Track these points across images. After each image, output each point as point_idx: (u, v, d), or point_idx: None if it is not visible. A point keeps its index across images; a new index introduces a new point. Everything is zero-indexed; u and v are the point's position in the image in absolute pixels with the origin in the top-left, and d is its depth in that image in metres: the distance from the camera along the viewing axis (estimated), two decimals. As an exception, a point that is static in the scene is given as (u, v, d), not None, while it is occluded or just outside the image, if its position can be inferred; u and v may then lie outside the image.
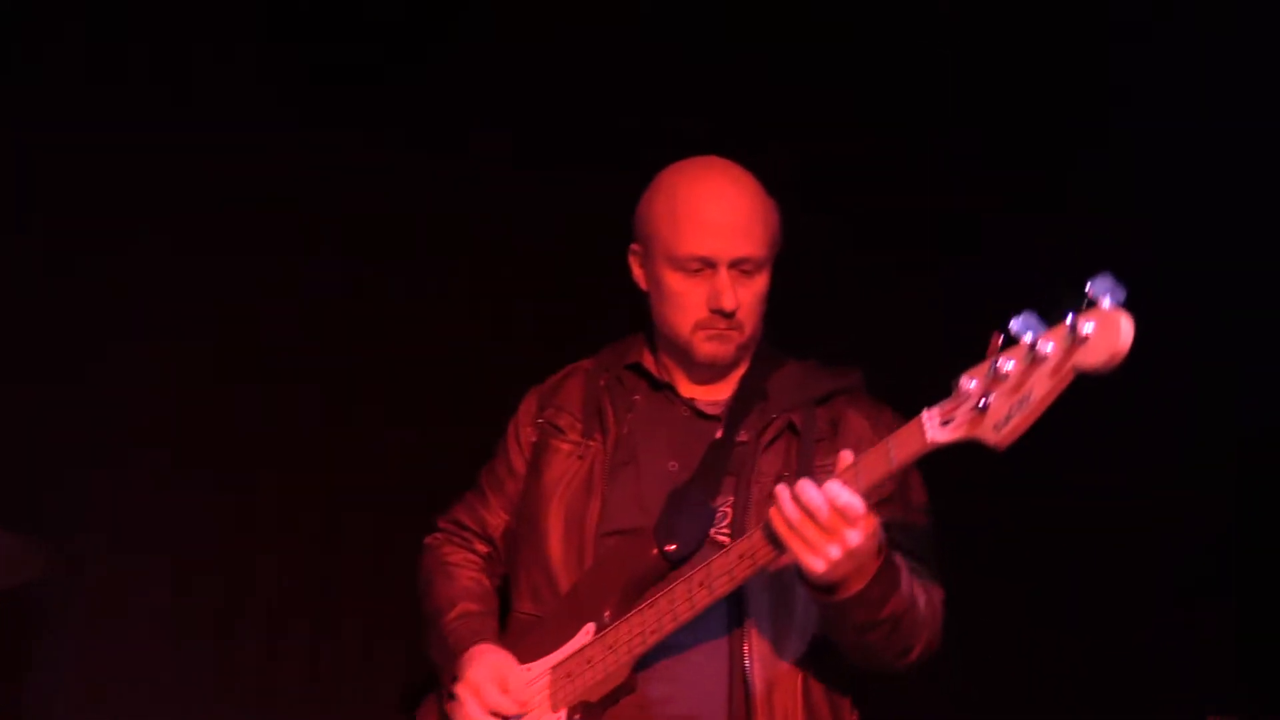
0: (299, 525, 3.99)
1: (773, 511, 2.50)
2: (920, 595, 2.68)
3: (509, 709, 2.75)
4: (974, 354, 2.32)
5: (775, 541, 2.52)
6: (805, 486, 2.46)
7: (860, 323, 3.88)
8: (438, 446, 3.97)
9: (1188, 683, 3.88)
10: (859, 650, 2.68)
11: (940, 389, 2.37)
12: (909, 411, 2.43)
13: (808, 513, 2.45)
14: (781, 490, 2.49)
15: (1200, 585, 3.95)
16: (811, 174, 3.81)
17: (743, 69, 4.06)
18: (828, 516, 2.44)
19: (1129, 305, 2.16)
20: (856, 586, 2.53)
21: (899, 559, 2.63)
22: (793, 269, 2.97)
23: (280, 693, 3.90)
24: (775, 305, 2.93)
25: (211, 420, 3.96)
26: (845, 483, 2.46)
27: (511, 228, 4.13)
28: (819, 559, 2.47)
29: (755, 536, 2.57)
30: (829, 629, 2.68)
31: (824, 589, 2.54)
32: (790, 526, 2.47)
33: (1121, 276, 2.18)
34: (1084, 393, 2.23)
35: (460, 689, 2.79)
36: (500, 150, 4.09)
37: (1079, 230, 3.86)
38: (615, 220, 3.01)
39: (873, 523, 2.49)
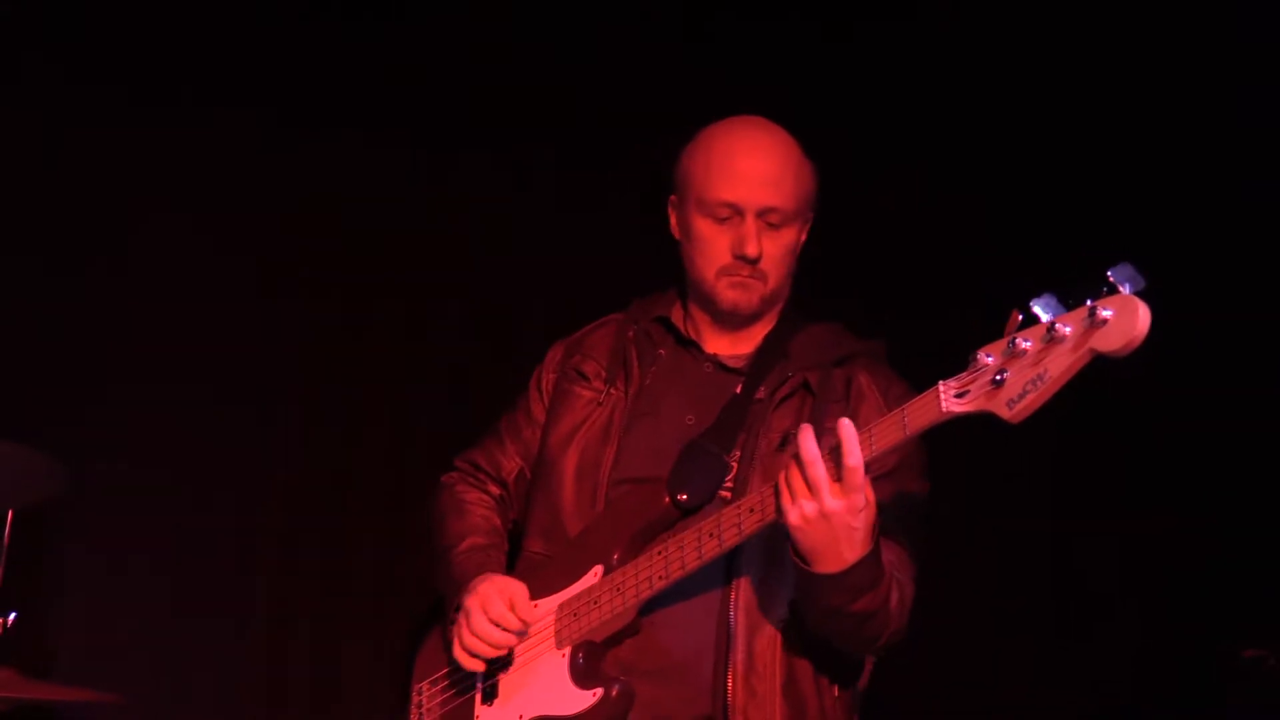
0: (309, 454, 4.02)
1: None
2: (894, 593, 2.72)
3: (512, 623, 2.81)
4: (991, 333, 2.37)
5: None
6: (807, 440, 2.50)
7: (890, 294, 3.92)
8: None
9: (1223, 620, 3.91)
10: (822, 632, 2.72)
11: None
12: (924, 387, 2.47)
13: (799, 464, 2.51)
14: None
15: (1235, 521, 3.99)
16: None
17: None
18: (815, 472, 2.49)
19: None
20: (836, 566, 2.56)
21: (884, 557, 2.66)
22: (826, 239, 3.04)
23: (291, 616, 3.95)
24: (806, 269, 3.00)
25: (232, 342, 3.99)
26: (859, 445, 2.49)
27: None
28: (793, 510, 2.52)
29: (766, 491, 2.62)
30: (799, 603, 2.70)
31: (802, 557, 2.59)
32: (784, 476, 2.54)
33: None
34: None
35: (468, 601, 2.85)
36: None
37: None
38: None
39: (860, 500, 2.51)
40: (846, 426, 2.48)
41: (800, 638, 2.75)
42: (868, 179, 4.02)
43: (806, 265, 3.02)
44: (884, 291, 3.92)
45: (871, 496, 2.54)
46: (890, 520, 2.78)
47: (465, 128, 4.10)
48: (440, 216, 4.10)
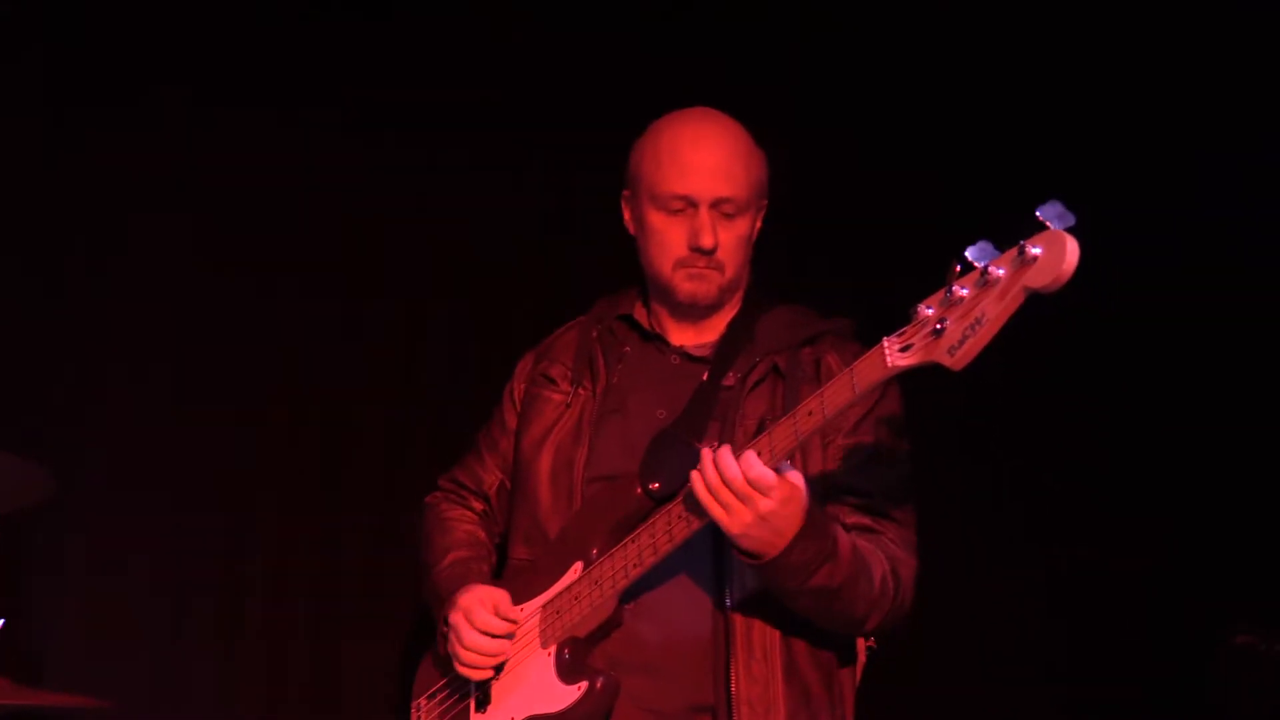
0: (303, 454, 4.00)
1: (694, 474, 2.58)
2: (875, 569, 2.72)
3: (499, 628, 2.84)
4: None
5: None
6: (725, 455, 2.55)
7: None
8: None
9: (1217, 602, 3.84)
10: (802, 612, 2.73)
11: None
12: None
13: (724, 479, 2.55)
14: (705, 455, 2.57)
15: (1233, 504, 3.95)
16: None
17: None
18: (741, 485, 2.54)
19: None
20: (774, 553, 2.59)
21: (839, 532, 2.68)
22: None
23: (289, 617, 3.92)
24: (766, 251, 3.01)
25: (217, 348, 3.96)
26: (761, 450, 2.54)
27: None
28: (732, 522, 2.56)
29: None
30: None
31: (748, 554, 2.61)
32: (709, 490, 2.56)
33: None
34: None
35: (453, 616, 2.88)
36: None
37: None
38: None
39: (786, 490, 2.55)
40: (748, 458, 2.54)
41: (796, 621, 2.75)
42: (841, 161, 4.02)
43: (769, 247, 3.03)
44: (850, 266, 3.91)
45: (797, 481, 2.57)
46: (872, 495, 2.81)
47: (465, 127, 4.08)
48: (439, 217, 4.07)
